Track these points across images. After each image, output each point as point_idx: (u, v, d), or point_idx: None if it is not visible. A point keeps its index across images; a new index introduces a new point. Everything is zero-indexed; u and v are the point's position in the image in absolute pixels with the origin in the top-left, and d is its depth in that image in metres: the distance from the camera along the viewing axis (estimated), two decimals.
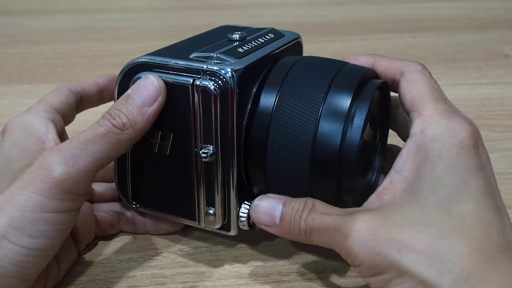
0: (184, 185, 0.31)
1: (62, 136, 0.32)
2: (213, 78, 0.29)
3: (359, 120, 0.28)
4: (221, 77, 0.29)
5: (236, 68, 0.29)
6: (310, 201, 0.28)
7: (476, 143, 0.27)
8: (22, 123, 0.31)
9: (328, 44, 0.64)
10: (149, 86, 0.29)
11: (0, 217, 0.26)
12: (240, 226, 0.32)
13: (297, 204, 0.28)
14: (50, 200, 0.26)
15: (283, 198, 0.29)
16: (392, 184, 0.27)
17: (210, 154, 0.29)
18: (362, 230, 0.25)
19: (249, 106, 0.30)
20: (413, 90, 0.29)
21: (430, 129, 0.27)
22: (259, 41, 0.33)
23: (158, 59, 0.30)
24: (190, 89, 0.29)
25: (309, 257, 0.34)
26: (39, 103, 0.32)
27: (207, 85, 0.29)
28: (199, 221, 0.32)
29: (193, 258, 0.34)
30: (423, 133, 0.27)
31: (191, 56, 0.30)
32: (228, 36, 0.33)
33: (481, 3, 0.71)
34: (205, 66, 0.29)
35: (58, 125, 0.32)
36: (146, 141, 0.31)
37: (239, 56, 0.30)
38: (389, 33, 0.63)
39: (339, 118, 0.28)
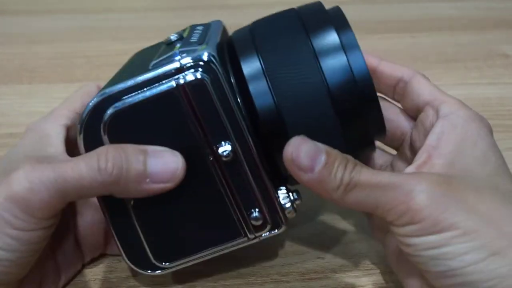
0: (213, 205, 0.28)
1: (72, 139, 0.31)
2: (194, 70, 0.25)
3: (353, 46, 0.27)
4: (202, 63, 0.25)
5: (209, 50, 0.26)
6: (352, 160, 0.26)
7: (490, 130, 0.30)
8: (40, 130, 0.30)
9: None
10: (170, 163, 0.26)
11: None
12: (288, 216, 0.28)
13: (341, 157, 0.26)
14: (12, 217, 0.26)
15: (326, 146, 0.26)
16: (430, 159, 0.27)
17: (231, 151, 0.26)
18: (431, 186, 0.25)
19: (234, 83, 0.27)
20: (429, 87, 0.31)
21: (462, 112, 0.29)
22: (197, 32, 0.30)
23: (120, 86, 0.26)
24: (177, 92, 0.26)
25: (309, 257, 0.34)
26: (63, 106, 0.32)
27: (194, 78, 0.25)
28: (248, 233, 0.28)
29: None
30: (456, 114, 0.28)
31: (152, 65, 0.26)
32: (163, 43, 0.30)
33: (481, 3, 0.71)
34: (178, 63, 0.26)
35: (74, 131, 0.30)
36: None
37: (198, 43, 0.27)
38: (389, 33, 0.63)
39: (337, 52, 0.27)
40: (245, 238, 0.28)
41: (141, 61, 0.29)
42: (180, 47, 0.27)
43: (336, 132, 0.27)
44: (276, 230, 0.28)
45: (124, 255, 0.29)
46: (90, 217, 0.32)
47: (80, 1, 0.72)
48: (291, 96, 0.26)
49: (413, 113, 0.32)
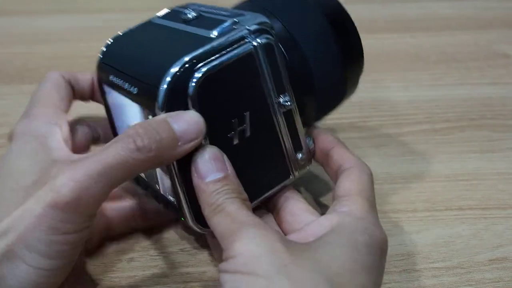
0: (273, 150, 0.31)
1: (66, 138, 0.31)
2: (260, 34, 0.29)
3: None
4: (265, 29, 0.29)
5: (263, 18, 0.29)
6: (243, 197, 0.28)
7: (383, 253, 0.28)
8: (31, 131, 0.29)
9: None
10: (192, 123, 0.27)
11: (14, 238, 0.25)
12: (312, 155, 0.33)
13: (235, 186, 0.28)
14: (61, 223, 0.25)
15: (232, 171, 0.28)
16: (305, 232, 0.29)
17: (289, 100, 0.30)
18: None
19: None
20: (351, 183, 0.31)
21: (359, 213, 0.28)
22: (207, 8, 0.33)
23: (200, 51, 0.27)
24: (254, 53, 0.28)
25: None
26: (40, 104, 0.31)
27: (266, 41, 0.29)
28: (294, 173, 0.32)
29: (194, 258, 0.34)
30: (349, 216, 0.28)
31: (215, 34, 0.28)
32: (182, 17, 0.32)
33: (482, 3, 0.71)
34: (246, 29, 0.28)
35: (65, 129, 0.31)
36: (224, 140, 0.29)
37: (234, 14, 0.30)
38: (389, 33, 0.63)
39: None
40: (292, 178, 0.32)
41: (174, 38, 0.30)
42: (227, 16, 0.30)
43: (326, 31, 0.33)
44: (308, 168, 0.33)
45: (192, 217, 0.29)
46: None
47: (80, 1, 0.72)
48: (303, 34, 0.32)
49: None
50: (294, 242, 0.27)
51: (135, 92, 0.28)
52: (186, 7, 0.33)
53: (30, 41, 0.62)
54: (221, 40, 0.28)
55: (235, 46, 0.28)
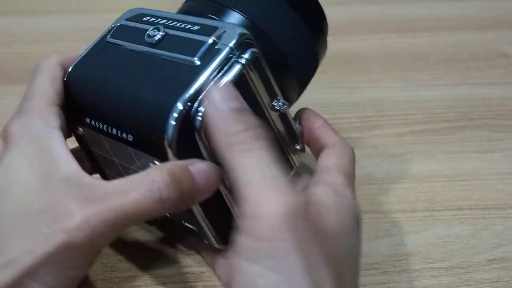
0: (275, 152, 0.31)
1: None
2: (244, 49, 0.27)
3: None
4: (247, 41, 0.27)
5: (238, 29, 0.28)
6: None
7: (358, 222, 0.27)
8: (29, 132, 0.27)
9: (328, 44, 0.64)
10: (210, 174, 0.26)
11: (22, 270, 0.24)
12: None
13: (255, 121, 0.26)
14: (72, 261, 0.25)
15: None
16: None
17: (283, 103, 0.29)
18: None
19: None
20: (334, 162, 0.30)
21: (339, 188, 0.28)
22: (168, 22, 0.30)
23: (191, 87, 0.26)
24: (245, 72, 0.27)
25: None
26: (36, 100, 0.28)
27: (252, 55, 0.27)
28: (295, 163, 0.33)
29: (194, 258, 0.34)
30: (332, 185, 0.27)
31: (197, 59, 0.27)
32: (147, 39, 0.29)
33: (482, 3, 0.71)
34: (229, 47, 0.27)
35: (65, 130, 0.29)
36: None
37: (205, 27, 0.28)
38: (389, 33, 0.63)
39: None
40: (295, 168, 0.33)
41: (153, 68, 0.28)
42: (201, 34, 0.28)
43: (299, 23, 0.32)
44: (303, 152, 0.33)
45: (215, 240, 0.29)
46: None
47: (80, 1, 0.72)
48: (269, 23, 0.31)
49: None
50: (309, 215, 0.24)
51: (130, 140, 0.27)
52: (138, 19, 0.31)
53: (29, 41, 0.62)
54: (209, 67, 0.26)
55: (225, 69, 0.27)
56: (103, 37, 0.32)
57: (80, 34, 0.63)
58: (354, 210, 0.27)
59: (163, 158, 0.26)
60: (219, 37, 0.27)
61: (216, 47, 0.27)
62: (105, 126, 0.28)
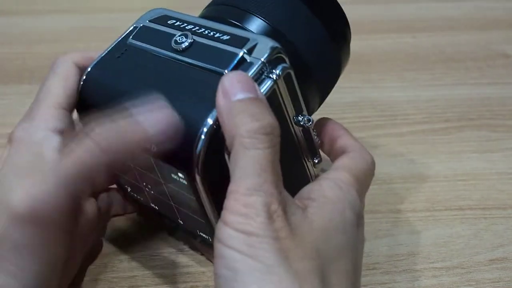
0: (296, 166, 0.31)
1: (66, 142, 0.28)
2: (276, 64, 0.27)
3: None
4: (279, 56, 0.27)
5: (268, 41, 0.27)
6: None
7: (359, 221, 0.27)
8: (29, 137, 0.27)
9: None
10: (160, 115, 0.25)
11: None
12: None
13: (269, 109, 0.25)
14: (26, 239, 0.24)
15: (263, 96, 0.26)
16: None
17: (308, 119, 0.29)
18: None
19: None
20: (348, 163, 0.29)
21: (344, 185, 0.27)
22: (194, 27, 0.29)
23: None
24: (276, 88, 0.27)
25: None
26: (45, 103, 0.28)
27: (283, 71, 0.27)
28: (312, 177, 0.32)
29: (194, 258, 0.34)
30: (336, 181, 0.27)
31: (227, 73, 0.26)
32: (173, 45, 0.28)
33: (481, 3, 0.71)
34: (262, 62, 0.26)
35: (67, 134, 0.28)
36: None
37: (233, 36, 0.28)
38: (389, 33, 0.63)
39: None
40: (312, 180, 0.32)
41: (180, 77, 0.27)
42: (232, 45, 0.27)
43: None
44: (321, 162, 0.33)
45: None
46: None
47: (80, 1, 0.72)
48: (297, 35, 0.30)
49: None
50: (299, 220, 0.24)
51: (154, 150, 0.26)
52: (162, 21, 0.30)
53: (29, 41, 0.62)
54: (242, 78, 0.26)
55: (258, 83, 0.26)
56: (124, 38, 0.31)
57: (80, 34, 0.63)
58: (355, 208, 0.27)
59: (189, 173, 0.25)
60: (250, 51, 0.27)
61: (248, 60, 0.26)
62: None
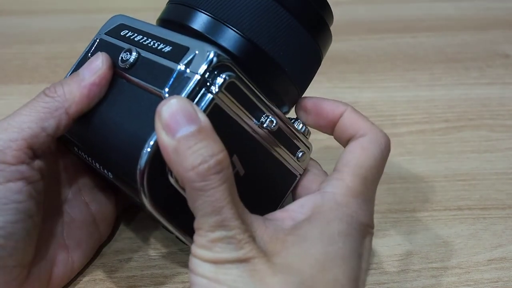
0: (274, 168, 0.30)
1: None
2: (216, 73, 0.25)
3: None
4: (220, 64, 0.25)
5: (210, 48, 0.26)
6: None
7: (364, 236, 0.27)
8: None
9: None
10: (93, 61, 0.29)
11: None
12: (308, 137, 0.31)
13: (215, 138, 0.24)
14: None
15: (206, 119, 0.24)
16: (287, 212, 0.28)
17: (274, 120, 0.28)
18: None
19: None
20: (356, 157, 0.28)
21: (341, 198, 0.27)
22: (142, 39, 0.29)
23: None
24: (218, 101, 0.26)
25: None
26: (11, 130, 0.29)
27: (224, 80, 0.25)
28: (298, 171, 0.31)
29: None
30: (330, 201, 0.27)
31: (167, 92, 0.25)
32: (121, 64, 0.28)
33: (481, 3, 0.71)
34: (199, 75, 0.25)
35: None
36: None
37: (176, 46, 0.27)
38: (389, 33, 0.63)
39: None
40: (299, 176, 0.32)
41: (125, 96, 0.28)
42: (172, 59, 0.26)
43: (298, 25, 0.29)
44: (309, 152, 0.31)
45: (188, 242, 0.29)
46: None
47: (80, 1, 0.72)
48: (252, 24, 0.28)
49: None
50: (269, 239, 0.25)
51: (111, 177, 0.28)
52: (116, 33, 0.31)
53: (29, 41, 0.62)
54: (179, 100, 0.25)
55: (197, 100, 0.25)
56: (85, 54, 0.32)
57: (80, 34, 0.63)
58: (349, 218, 0.27)
59: (139, 196, 0.26)
60: (188, 63, 0.26)
61: (185, 75, 0.25)
62: (89, 158, 0.29)
